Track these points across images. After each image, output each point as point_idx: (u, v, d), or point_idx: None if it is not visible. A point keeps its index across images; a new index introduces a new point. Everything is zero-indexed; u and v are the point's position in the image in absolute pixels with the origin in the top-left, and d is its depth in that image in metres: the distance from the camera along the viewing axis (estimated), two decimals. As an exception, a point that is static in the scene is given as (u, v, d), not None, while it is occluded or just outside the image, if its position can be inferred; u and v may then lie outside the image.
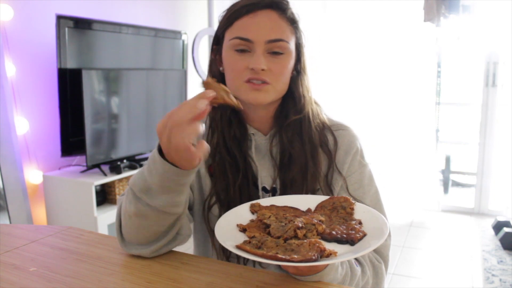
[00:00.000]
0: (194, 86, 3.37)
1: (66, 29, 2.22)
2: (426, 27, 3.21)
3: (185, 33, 3.12)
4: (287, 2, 0.90)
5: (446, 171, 4.12)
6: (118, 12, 2.80)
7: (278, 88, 0.89)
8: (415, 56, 3.36)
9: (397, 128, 3.52)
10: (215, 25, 3.61)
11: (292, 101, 0.93)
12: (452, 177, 4.27)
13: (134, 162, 2.56)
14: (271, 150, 0.94)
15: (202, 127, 0.67)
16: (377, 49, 3.43)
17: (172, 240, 0.83)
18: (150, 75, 2.71)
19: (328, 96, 3.46)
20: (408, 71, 3.41)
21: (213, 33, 3.47)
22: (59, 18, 2.18)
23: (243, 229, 0.74)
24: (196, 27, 3.44)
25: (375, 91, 3.50)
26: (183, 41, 3.11)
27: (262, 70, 0.85)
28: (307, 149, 0.91)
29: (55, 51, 2.21)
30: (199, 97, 0.66)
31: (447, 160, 4.15)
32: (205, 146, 0.69)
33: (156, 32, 2.87)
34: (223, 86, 0.70)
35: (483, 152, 3.49)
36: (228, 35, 0.88)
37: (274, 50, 0.86)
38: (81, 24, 2.33)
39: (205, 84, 0.69)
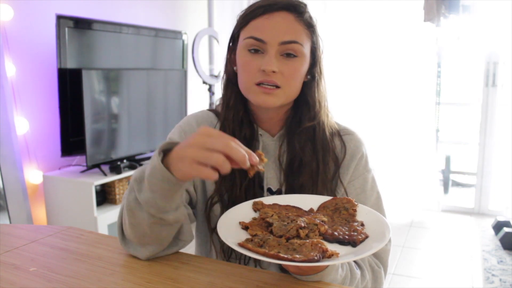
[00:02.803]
0: (194, 86, 3.37)
1: (66, 29, 2.22)
2: (426, 27, 3.21)
3: (185, 33, 3.12)
4: (305, 5, 0.89)
5: (446, 171, 4.12)
6: (118, 12, 2.80)
7: (288, 92, 0.87)
8: (415, 56, 3.35)
9: (397, 128, 3.52)
10: (215, 25, 3.64)
11: (305, 106, 0.92)
12: (452, 177, 4.27)
13: (134, 162, 2.56)
14: (279, 155, 0.93)
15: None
16: (377, 49, 3.42)
17: (171, 245, 0.82)
18: (150, 75, 2.71)
19: (327, 96, 3.46)
20: (408, 71, 3.40)
21: (213, 33, 3.48)
22: (59, 18, 2.17)
23: (245, 227, 0.74)
24: (196, 27, 3.44)
25: (375, 91, 3.49)
26: (183, 41, 3.11)
27: (273, 72, 0.84)
28: (319, 156, 0.91)
29: (55, 51, 2.20)
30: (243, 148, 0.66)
31: (447, 160, 4.14)
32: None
33: (156, 32, 2.87)
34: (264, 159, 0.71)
35: (483, 152, 3.49)
36: (243, 34, 0.88)
37: (287, 52, 0.85)
38: (81, 24, 2.33)
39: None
